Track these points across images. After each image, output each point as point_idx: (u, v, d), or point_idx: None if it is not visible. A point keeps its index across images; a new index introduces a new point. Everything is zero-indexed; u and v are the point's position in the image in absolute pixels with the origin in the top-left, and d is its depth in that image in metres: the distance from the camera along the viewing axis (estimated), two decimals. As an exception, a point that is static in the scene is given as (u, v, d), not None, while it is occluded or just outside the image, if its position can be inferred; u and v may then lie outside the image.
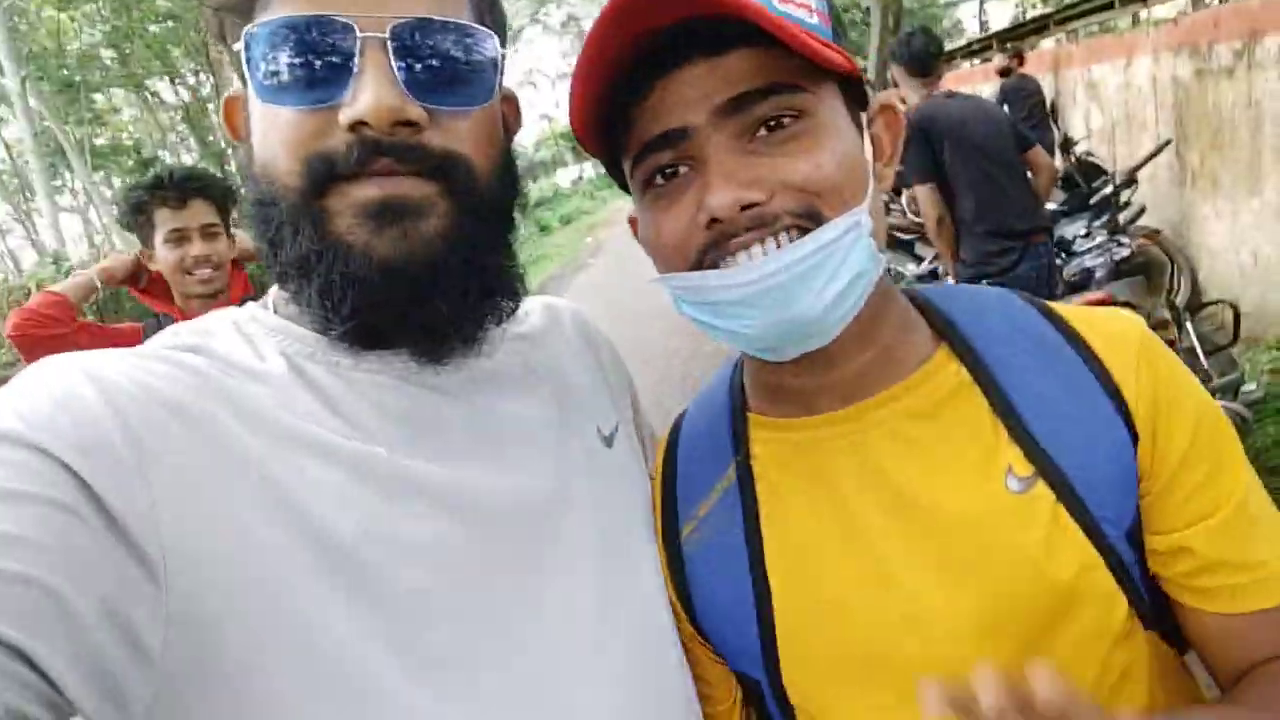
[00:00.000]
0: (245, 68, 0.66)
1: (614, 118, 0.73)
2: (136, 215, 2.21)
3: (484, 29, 0.71)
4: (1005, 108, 5.97)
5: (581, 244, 19.47)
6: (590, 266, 14.98)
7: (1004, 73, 7.36)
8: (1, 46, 15.45)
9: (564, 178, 50.51)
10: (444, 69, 0.67)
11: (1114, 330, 0.78)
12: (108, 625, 0.51)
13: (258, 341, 0.70)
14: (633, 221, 0.84)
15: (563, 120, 65.14)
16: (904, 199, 5.73)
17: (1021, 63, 7.57)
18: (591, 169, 54.47)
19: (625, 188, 0.81)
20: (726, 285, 0.70)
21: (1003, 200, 3.61)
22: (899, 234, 5.90)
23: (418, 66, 0.65)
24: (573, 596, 0.72)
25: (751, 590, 0.80)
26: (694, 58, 0.69)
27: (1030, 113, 6.74)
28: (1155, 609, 0.77)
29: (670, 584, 0.85)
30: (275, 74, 0.64)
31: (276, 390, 0.66)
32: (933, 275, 5.73)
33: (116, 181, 27.74)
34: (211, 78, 26.46)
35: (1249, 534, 0.73)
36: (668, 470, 0.91)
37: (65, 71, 25.37)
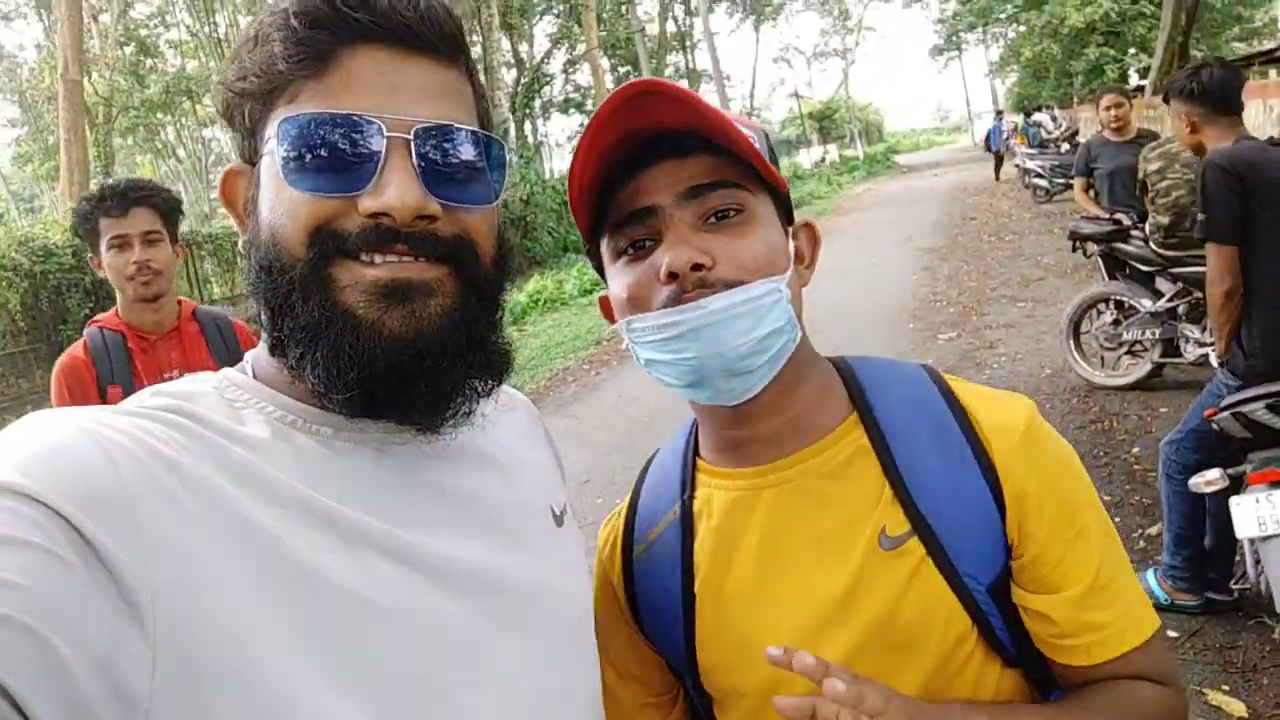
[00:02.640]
0: (273, 149, 0.70)
1: (599, 205, 0.93)
2: (84, 224, 2.38)
3: (494, 137, 0.78)
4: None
5: (809, 230, 19.09)
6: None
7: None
8: None
9: (806, 159, 49.69)
10: (458, 169, 0.73)
11: (1002, 419, 0.92)
12: (97, 676, 0.51)
13: (239, 406, 0.73)
14: (602, 301, 1.00)
15: (813, 98, 64.16)
16: (1148, 226, 5.15)
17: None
18: (835, 151, 53.25)
19: (599, 269, 0.99)
20: (678, 320, 0.86)
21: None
22: (1138, 265, 5.33)
23: (436, 165, 0.72)
24: (531, 677, 0.76)
25: (680, 608, 0.98)
26: (665, 158, 0.89)
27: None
28: (1020, 652, 0.92)
29: (622, 589, 1.05)
30: (304, 161, 0.69)
31: (263, 454, 0.67)
32: (1170, 317, 5.14)
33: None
34: (480, 38, 28.11)
35: (1099, 602, 0.89)
36: (634, 497, 1.10)
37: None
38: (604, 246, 0.95)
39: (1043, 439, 0.93)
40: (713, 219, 0.89)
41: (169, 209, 2.38)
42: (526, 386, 9.00)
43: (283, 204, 0.70)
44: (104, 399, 2.22)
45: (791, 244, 0.96)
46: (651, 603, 1.02)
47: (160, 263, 2.33)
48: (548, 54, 34.46)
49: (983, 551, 0.89)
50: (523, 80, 31.11)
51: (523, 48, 32.70)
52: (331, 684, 0.61)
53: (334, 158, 0.69)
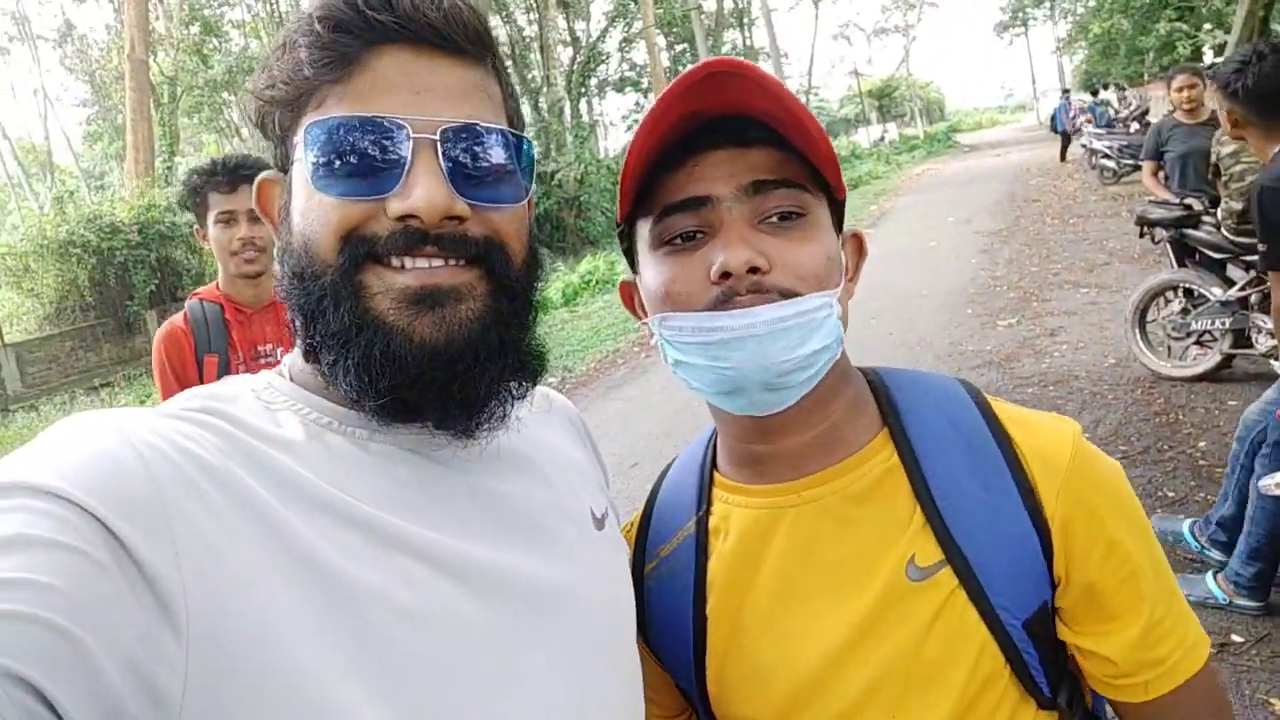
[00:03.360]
0: (301, 155, 0.71)
1: (647, 185, 0.86)
2: (193, 196, 2.42)
3: (522, 135, 0.78)
4: None
5: (864, 211, 18.81)
6: (870, 237, 14.48)
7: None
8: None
9: (864, 137, 48.88)
10: (486, 169, 0.73)
11: (1046, 444, 0.86)
12: (129, 676, 0.52)
13: (276, 408, 0.73)
14: (624, 288, 0.96)
15: (873, 76, 63.08)
16: (1220, 211, 4.94)
17: None
18: (895, 129, 52.31)
19: (628, 253, 0.94)
20: (725, 326, 0.80)
21: None
22: (1209, 251, 5.12)
23: (463, 166, 0.71)
24: (560, 686, 0.74)
25: (691, 627, 0.93)
26: (725, 145, 0.83)
27: None
28: (1055, 694, 0.87)
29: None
30: (331, 165, 0.69)
31: (296, 456, 0.68)
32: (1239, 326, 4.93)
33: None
34: (537, 16, 28.11)
35: (1156, 638, 0.84)
36: (646, 510, 1.05)
37: None
38: (642, 230, 0.89)
39: (1090, 467, 0.86)
40: (772, 219, 0.83)
41: None
42: (577, 368, 9.03)
43: (313, 210, 0.71)
44: (200, 367, 2.35)
45: (843, 255, 0.89)
46: (661, 622, 0.97)
47: (264, 240, 2.38)
48: (604, 32, 34.31)
49: (1021, 585, 0.83)
50: (578, 59, 31.04)
51: (579, 25, 32.60)
52: (362, 687, 0.61)
53: (361, 161, 0.69)
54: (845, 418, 0.90)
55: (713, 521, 0.96)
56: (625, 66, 38.99)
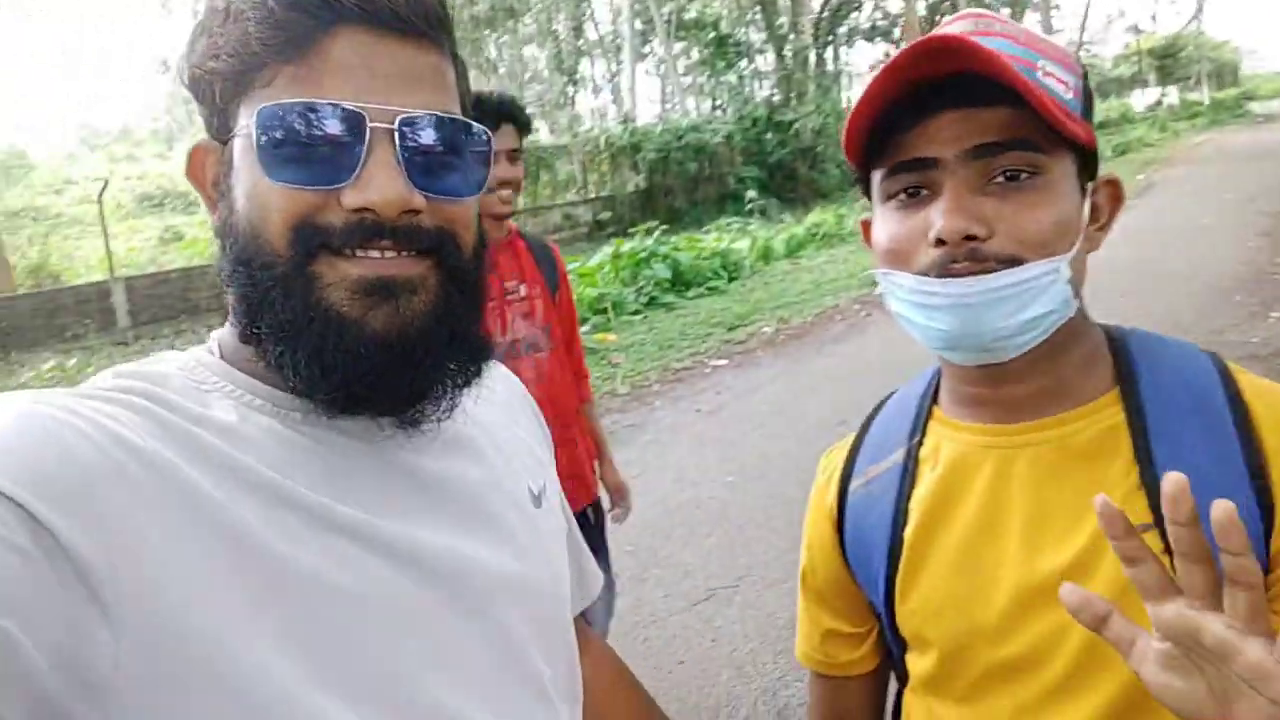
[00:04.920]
0: (250, 135, 0.68)
1: (875, 142, 0.87)
2: None
3: (479, 126, 0.76)
4: None
5: (1129, 181, 17.20)
6: (1130, 208, 13.27)
7: None
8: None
9: (1139, 101, 44.35)
10: (444, 161, 0.72)
11: None
12: (58, 664, 0.52)
13: (207, 389, 0.71)
14: (864, 225, 0.96)
15: (1156, 33, 56.75)
16: None
17: None
18: (1175, 93, 47.02)
19: (868, 194, 0.95)
20: (939, 293, 0.82)
21: None
22: None
23: (420, 158, 0.70)
24: (491, 664, 0.75)
25: (887, 549, 0.96)
26: (954, 105, 0.82)
27: None
28: None
29: (834, 519, 1.04)
30: (284, 152, 0.67)
31: (227, 438, 0.67)
32: None
33: (694, 53, 30.47)
34: (790, -38, 27.47)
35: None
36: (862, 430, 1.08)
37: (670, -53, 28.13)
38: (875, 180, 0.90)
39: None
40: (1000, 178, 0.81)
41: (526, 128, 2.44)
42: (793, 320, 8.99)
43: (260, 194, 0.69)
44: None
45: (1088, 204, 0.87)
46: (859, 539, 1.00)
47: (518, 180, 2.41)
48: (859, -23, 33.01)
49: None
50: (829, 4, 30.11)
51: (832, -30, 31.51)
52: (295, 665, 0.61)
53: (315, 149, 0.67)
54: (1074, 372, 0.89)
55: (924, 451, 0.98)
56: (878, 15, 37.38)
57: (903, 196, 0.86)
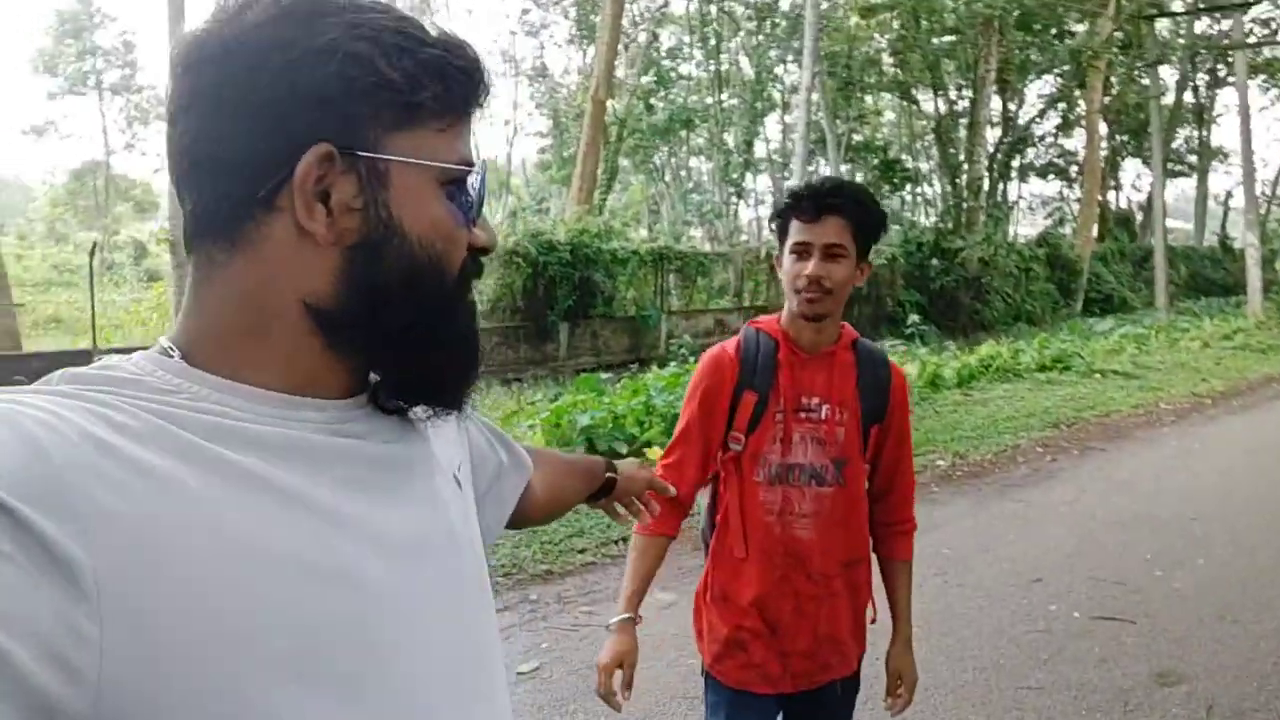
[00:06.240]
0: (433, 170, 0.76)
1: None
2: (778, 219, 2.12)
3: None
4: None
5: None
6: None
7: None
8: (808, 44, 18.03)
9: (1339, 262, 41.22)
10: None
11: None
12: (46, 662, 0.53)
13: (170, 388, 0.71)
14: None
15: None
16: None
17: None
18: (1383, 259, 43.53)
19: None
20: None
21: None
22: None
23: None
24: (463, 633, 0.82)
25: None
26: None
27: None
28: None
29: None
30: (473, 195, 0.80)
31: (200, 431, 0.68)
32: None
33: (859, 175, 30.57)
34: (971, 94, 27.39)
35: None
36: None
37: (848, 72, 28.74)
38: None
39: None
40: None
41: (864, 222, 2.05)
42: (970, 455, 8.39)
43: (444, 226, 0.78)
44: (735, 402, 2.09)
45: None
46: None
47: (834, 281, 2.01)
48: (1042, 113, 32.56)
49: None
50: (1006, 138, 29.76)
51: (1011, 106, 31.22)
52: (277, 648, 0.64)
53: (478, 196, 0.81)
54: None
55: None
56: (1053, 153, 36.63)
57: None
